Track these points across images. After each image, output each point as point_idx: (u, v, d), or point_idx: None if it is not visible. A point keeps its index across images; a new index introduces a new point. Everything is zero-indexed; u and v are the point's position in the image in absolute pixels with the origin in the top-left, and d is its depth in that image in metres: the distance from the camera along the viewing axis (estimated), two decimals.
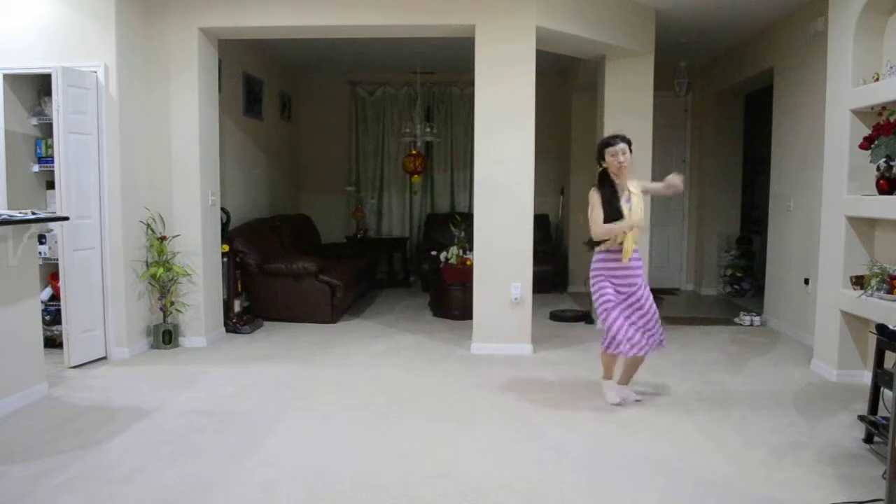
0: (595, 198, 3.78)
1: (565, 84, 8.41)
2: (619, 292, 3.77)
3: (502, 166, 5.04)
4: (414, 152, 7.92)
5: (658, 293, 7.58)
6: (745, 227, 7.97)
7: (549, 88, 7.87)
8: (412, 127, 7.87)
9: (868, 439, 3.26)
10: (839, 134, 4.31)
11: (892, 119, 3.80)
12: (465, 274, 5.96)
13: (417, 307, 6.96)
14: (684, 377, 4.46)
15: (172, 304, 5.12)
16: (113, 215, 4.77)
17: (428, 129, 7.95)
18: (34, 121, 4.93)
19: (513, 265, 5.08)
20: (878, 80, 4.01)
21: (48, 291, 4.93)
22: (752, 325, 6.12)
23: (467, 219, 5.84)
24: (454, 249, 6.36)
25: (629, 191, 3.78)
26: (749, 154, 7.84)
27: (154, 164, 5.09)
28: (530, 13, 4.94)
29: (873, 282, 3.94)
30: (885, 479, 2.59)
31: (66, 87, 4.42)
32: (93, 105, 4.64)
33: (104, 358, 4.80)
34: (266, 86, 7.49)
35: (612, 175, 3.78)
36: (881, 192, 3.91)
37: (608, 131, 5.22)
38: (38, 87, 4.93)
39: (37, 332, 3.96)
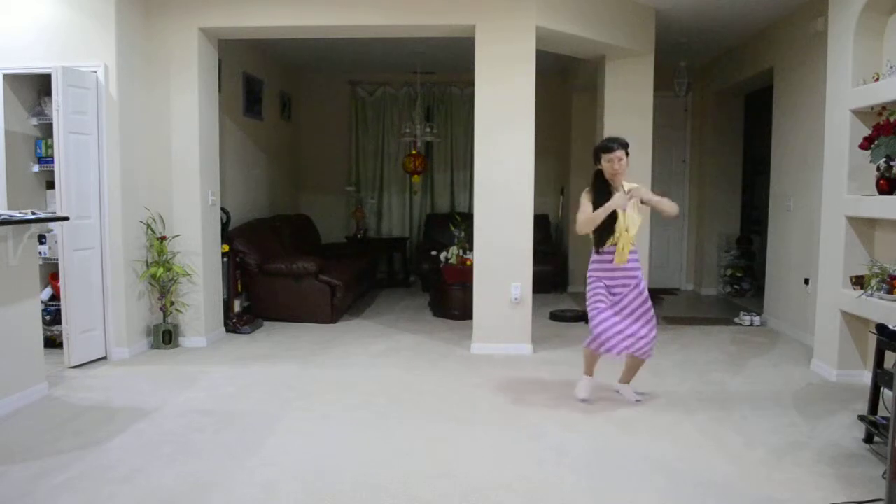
0: (585, 199, 3.81)
1: (565, 84, 8.41)
2: (612, 293, 3.77)
3: (502, 166, 5.04)
4: (414, 152, 7.92)
5: (658, 293, 7.60)
6: (745, 227, 7.97)
7: (549, 88, 7.87)
8: (412, 127, 7.87)
9: (868, 439, 3.26)
10: (839, 134, 4.31)
11: (892, 119, 3.80)
12: (465, 274, 5.96)
13: (417, 307, 6.96)
14: (684, 377, 4.46)
15: (172, 304, 5.12)
16: (113, 215, 4.77)
17: (428, 129, 7.95)
18: (34, 121, 4.93)
19: (513, 265, 5.08)
20: (878, 80, 4.01)
21: (48, 291, 4.93)
22: (752, 325, 6.12)
23: (467, 219, 5.84)
24: (454, 249, 6.36)
25: (624, 191, 3.78)
26: (749, 154, 7.84)
27: (154, 164, 5.09)
28: (530, 13, 4.94)
29: (873, 282, 3.94)
30: (885, 479, 2.59)
31: (66, 87, 4.42)
32: (93, 105, 4.64)
33: (104, 358, 4.80)
34: (266, 86, 7.49)
35: (607, 177, 3.79)
36: (881, 192, 3.91)
37: (608, 131, 5.23)
38: (38, 87, 4.93)
39: (37, 332, 3.96)
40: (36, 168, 4.95)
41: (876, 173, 3.96)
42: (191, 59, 5.04)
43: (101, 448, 3.19)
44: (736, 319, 6.27)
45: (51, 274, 4.91)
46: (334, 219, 8.94)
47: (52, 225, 4.46)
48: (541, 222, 7.99)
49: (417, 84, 8.42)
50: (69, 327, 4.53)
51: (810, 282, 5.30)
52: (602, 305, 3.75)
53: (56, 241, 4.57)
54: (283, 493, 2.74)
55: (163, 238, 5.02)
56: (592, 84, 6.63)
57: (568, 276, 8.05)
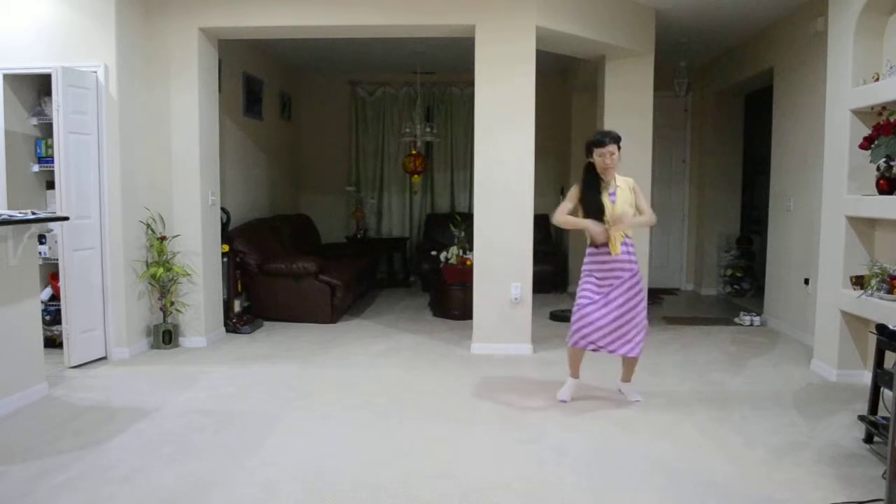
0: (571, 193, 3.83)
1: (565, 84, 8.40)
2: (601, 286, 3.75)
3: (502, 166, 5.04)
4: (414, 152, 7.92)
5: (658, 293, 7.60)
6: (745, 227, 7.97)
7: (549, 88, 7.87)
8: (412, 127, 7.87)
9: (868, 439, 3.26)
10: (839, 134, 4.31)
11: (892, 119, 3.80)
12: (465, 274, 5.96)
13: (417, 307, 6.96)
14: (684, 377, 4.46)
15: (172, 304, 5.12)
16: (113, 215, 4.77)
17: (428, 129, 7.95)
18: (34, 121, 4.93)
19: (513, 265, 5.08)
20: (878, 80, 4.01)
21: (48, 291, 4.93)
22: (752, 325, 6.12)
23: (467, 219, 5.84)
24: (454, 249, 6.36)
25: (617, 185, 3.79)
26: (749, 154, 7.84)
27: (154, 164, 5.09)
28: (530, 13, 4.94)
29: (873, 282, 3.94)
30: (885, 479, 2.59)
31: (66, 87, 4.42)
32: (93, 105, 4.64)
33: (104, 358, 4.80)
34: (266, 86, 7.49)
35: (598, 171, 3.79)
36: (881, 192, 3.91)
37: None
38: (38, 87, 4.93)
39: (37, 332, 3.96)
40: (36, 168, 4.95)
41: (876, 173, 3.96)
42: (191, 59, 5.04)
43: (101, 448, 3.19)
44: (736, 319, 6.27)
45: (51, 274, 4.91)
46: (334, 219, 8.94)
47: (52, 225, 4.46)
48: (541, 222, 7.95)
49: (417, 84, 8.41)
50: (69, 327, 4.53)
51: (810, 282, 5.30)
52: (584, 301, 3.77)
53: (56, 241, 4.57)
54: (283, 493, 2.74)
55: (163, 238, 5.02)
56: (592, 84, 6.63)
57: (568, 276, 8.05)
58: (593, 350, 3.80)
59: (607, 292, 3.74)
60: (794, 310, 5.64)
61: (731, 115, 7.71)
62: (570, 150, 8.18)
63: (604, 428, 3.52)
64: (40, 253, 4.62)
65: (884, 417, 3.21)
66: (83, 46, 4.66)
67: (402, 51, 7.23)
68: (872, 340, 3.63)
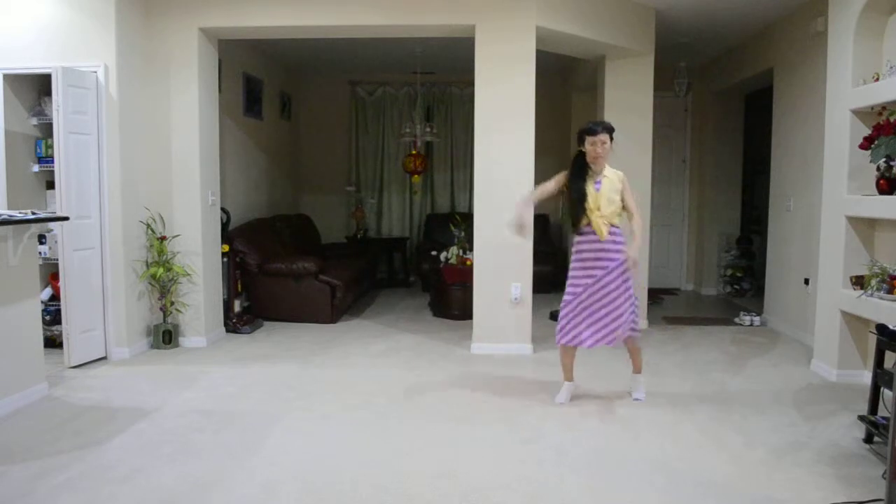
0: (560, 176, 3.86)
1: (565, 84, 8.41)
2: (587, 276, 3.75)
3: (502, 166, 5.04)
4: (414, 152, 7.92)
5: (658, 293, 7.60)
6: (745, 227, 7.97)
7: (549, 88, 7.88)
8: (412, 127, 7.87)
9: (868, 439, 3.26)
10: (839, 134, 4.31)
11: (892, 119, 3.80)
12: (465, 274, 5.96)
13: (417, 307, 6.96)
14: (684, 377, 4.46)
15: (172, 304, 5.12)
16: (113, 215, 4.77)
17: (428, 129, 7.95)
18: (34, 121, 4.93)
19: (513, 265, 5.08)
20: (878, 80, 4.01)
21: (48, 291, 4.93)
22: (752, 325, 6.12)
23: (467, 219, 5.84)
24: (454, 249, 6.36)
25: (605, 175, 3.78)
26: (749, 154, 7.84)
27: (154, 164, 5.09)
28: (530, 13, 4.94)
29: (873, 282, 3.94)
30: (885, 479, 2.59)
31: (66, 87, 4.42)
32: (93, 105, 4.64)
33: (104, 358, 4.80)
34: (266, 86, 7.49)
35: (588, 160, 3.79)
36: (881, 192, 3.91)
37: None
38: (38, 87, 4.93)
39: (37, 332, 3.96)
40: (36, 168, 4.94)
41: (876, 173, 3.96)
42: (191, 59, 5.04)
43: (101, 448, 3.19)
44: (736, 319, 6.27)
45: (51, 274, 4.91)
46: (334, 219, 8.94)
47: (52, 225, 4.46)
48: (541, 222, 7.99)
49: (417, 84, 8.42)
50: (69, 327, 4.53)
51: (810, 282, 5.30)
52: (569, 297, 3.80)
53: (56, 241, 4.57)
54: (283, 493, 2.74)
55: (163, 238, 5.02)
56: (592, 84, 6.63)
57: (568, 276, 8.04)
58: (578, 345, 3.81)
59: (591, 283, 3.73)
60: (794, 310, 5.64)
61: (731, 115, 7.71)
62: (570, 150, 8.16)
63: (604, 428, 3.52)
64: (40, 253, 4.62)
65: (884, 417, 3.21)
66: (83, 46, 4.66)
67: (401, 51, 7.23)
68: (872, 340, 3.64)
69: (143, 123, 5.01)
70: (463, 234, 6.30)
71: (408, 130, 7.92)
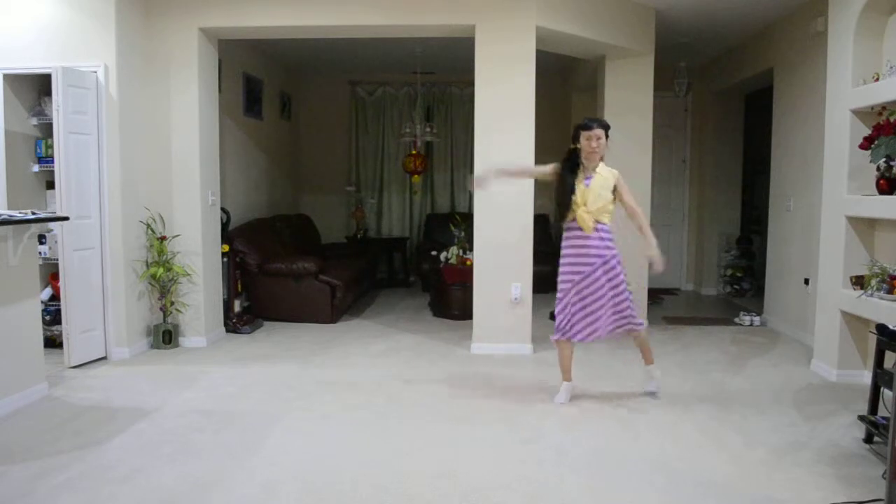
0: (552, 166, 3.90)
1: (565, 84, 8.40)
2: (576, 272, 3.77)
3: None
4: (414, 152, 7.92)
5: (658, 293, 7.59)
6: (745, 227, 7.97)
7: (549, 88, 7.86)
8: (412, 127, 7.87)
9: (868, 439, 3.26)
10: (839, 134, 4.31)
11: (892, 119, 3.80)
12: (465, 274, 5.96)
13: (417, 307, 6.96)
14: (684, 377, 4.46)
15: (172, 304, 5.12)
16: (113, 215, 4.77)
17: (428, 129, 7.95)
18: (34, 121, 4.93)
19: (513, 265, 5.07)
20: (878, 80, 4.01)
21: (48, 291, 4.93)
22: (752, 325, 6.12)
23: (467, 219, 5.84)
24: (454, 249, 6.36)
25: (597, 172, 3.79)
26: (749, 154, 7.84)
27: (154, 164, 5.09)
28: (530, 13, 4.94)
29: (873, 282, 3.94)
30: (885, 479, 2.59)
31: (66, 87, 4.42)
32: (93, 105, 4.64)
33: (104, 358, 4.80)
34: (266, 86, 7.49)
35: (582, 157, 3.79)
36: (881, 192, 3.91)
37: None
38: (38, 87, 4.93)
39: (37, 332, 3.96)
40: (36, 168, 4.95)
41: (876, 173, 3.96)
42: (191, 59, 5.04)
43: (101, 448, 3.19)
44: (736, 319, 6.27)
45: (51, 274, 4.91)
46: (334, 219, 8.94)
47: (52, 225, 4.46)
48: (541, 222, 7.99)
49: (417, 84, 8.41)
50: (69, 327, 4.53)
51: (810, 282, 5.29)
52: (560, 294, 3.82)
53: (56, 241, 4.57)
54: (283, 493, 2.74)
55: (163, 238, 5.02)
56: (592, 84, 6.63)
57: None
58: (571, 339, 3.82)
59: (578, 280, 3.76)
60: (794, 310, 5.64)
61: (731, 115, 7.71)
62: None
63: (604, 428, 3.52)
64: (40, 253, 4.62)
65: (884, 417, 3.21)
66: (83, 46, 4.66)
67: (401, 51, 7.23)
68: (872, 340, 3.63)
69: (143, 123, 5.01)
70: (463, 234, 6.30)
71: (408, 130, 7.92)
